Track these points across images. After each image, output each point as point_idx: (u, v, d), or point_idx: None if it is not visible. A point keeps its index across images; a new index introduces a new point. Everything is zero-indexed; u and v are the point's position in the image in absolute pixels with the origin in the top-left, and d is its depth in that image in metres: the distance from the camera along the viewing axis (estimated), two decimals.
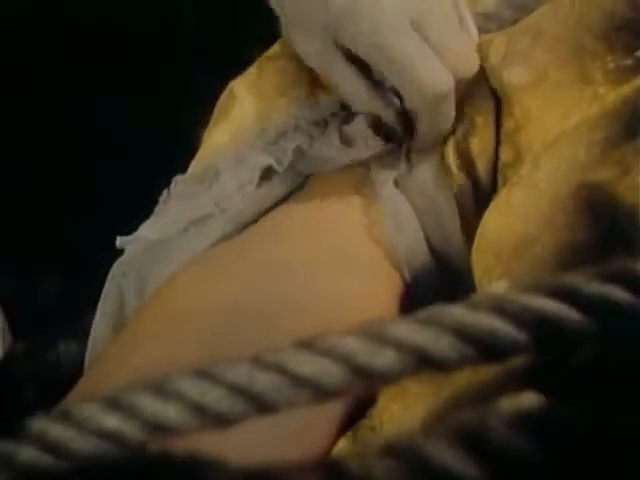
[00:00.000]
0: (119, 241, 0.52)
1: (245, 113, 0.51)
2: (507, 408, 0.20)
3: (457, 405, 0.30)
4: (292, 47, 0.49)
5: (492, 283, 0.38)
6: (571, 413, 0.20)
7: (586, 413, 0.20)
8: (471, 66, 0.46)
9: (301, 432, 0.36)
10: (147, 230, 0.50)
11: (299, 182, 0.50)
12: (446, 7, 0.47)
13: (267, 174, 0.49)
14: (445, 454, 0.19)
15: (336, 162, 0.49)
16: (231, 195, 0.49)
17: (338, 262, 0.44)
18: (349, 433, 0.37)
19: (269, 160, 0.49)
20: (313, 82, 0.50)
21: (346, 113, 0.49)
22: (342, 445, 0.37)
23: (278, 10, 0.49)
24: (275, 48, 0.52)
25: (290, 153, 0.49)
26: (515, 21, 0.47)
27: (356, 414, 0.38)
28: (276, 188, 0.49)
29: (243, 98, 0.52)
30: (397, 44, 0.45)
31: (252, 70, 0.52)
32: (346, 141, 0.48)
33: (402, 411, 0.36)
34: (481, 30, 0.48)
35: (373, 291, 0.43)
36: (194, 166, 0.52)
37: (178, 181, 0.52)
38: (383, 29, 0.45)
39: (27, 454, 0.21)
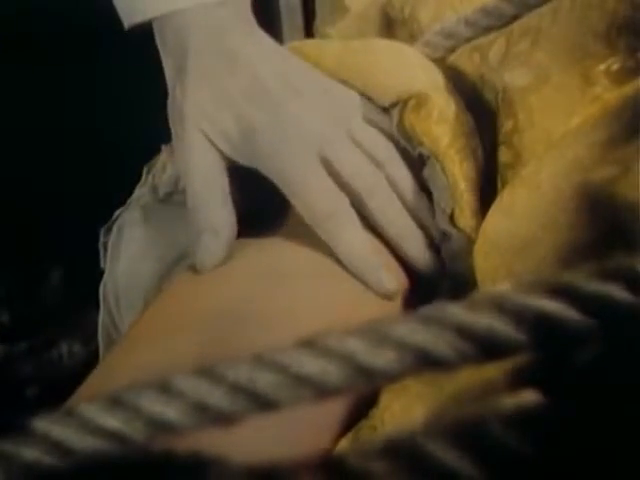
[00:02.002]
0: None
1: None
2: (507, 407, 0.20)
3: (457, 404, 0.30)
4: None
5: (495, 284, 0.38)
6: (570, 412, 0.20)
7: (585, 412, 0.20)
8: (369, 182, 0.46)
9: (303, 432, 0.36)
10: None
11: None
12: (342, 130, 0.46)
13: None
14: (445, 453, 0.19)
15: None
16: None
17: (336, 267, 0.44)
18: (350, 433, 0.38)
19: None
20: None
21: None
22: (343, 445, 0.37)
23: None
24: None
25: None
26: (515, 17, 0.47)
27: (357, 415, 0.38)
28: None
29: None
30: (298, 172, 0.44)
31: None
32: None
33: (403, 410, 0.36)
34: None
35: (374, 297, 0.43)
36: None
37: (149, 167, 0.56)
38: (287, 157, 0.44)
39: (30, 454, 0.21)
